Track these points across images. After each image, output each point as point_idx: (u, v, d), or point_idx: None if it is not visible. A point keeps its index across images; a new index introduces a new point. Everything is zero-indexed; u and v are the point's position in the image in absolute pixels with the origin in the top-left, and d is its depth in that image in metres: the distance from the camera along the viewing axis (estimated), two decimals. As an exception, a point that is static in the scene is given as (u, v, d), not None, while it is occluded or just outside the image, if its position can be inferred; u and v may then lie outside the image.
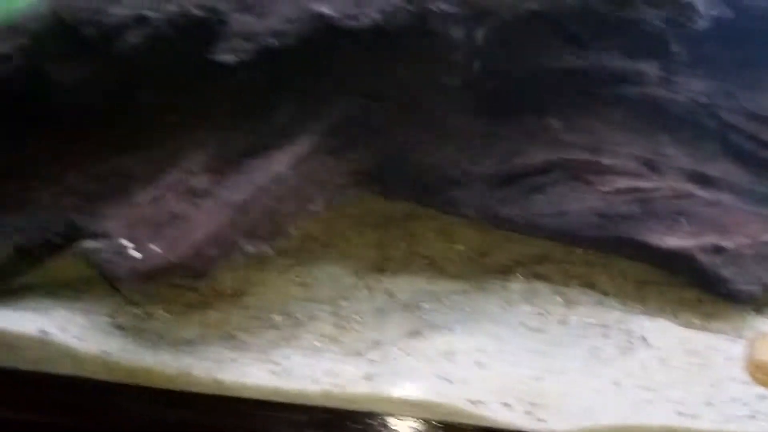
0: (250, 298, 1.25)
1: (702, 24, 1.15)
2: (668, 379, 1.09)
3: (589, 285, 1.30)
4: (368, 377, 1.06)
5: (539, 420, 1.02)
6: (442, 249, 1.45)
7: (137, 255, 0.99)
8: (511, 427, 1.01)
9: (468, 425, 1.01)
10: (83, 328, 1.10)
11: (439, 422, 1.02)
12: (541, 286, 1.29)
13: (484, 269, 1.39)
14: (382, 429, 1.00)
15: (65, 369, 1.08)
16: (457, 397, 1.03)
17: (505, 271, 1.36)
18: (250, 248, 1.06)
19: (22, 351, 1.08)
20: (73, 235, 1.11)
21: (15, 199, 1.13)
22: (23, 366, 1.09)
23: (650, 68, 1.24)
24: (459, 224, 1.47)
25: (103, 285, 1.24)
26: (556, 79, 1.25)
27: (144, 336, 1.12)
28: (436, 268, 1.40)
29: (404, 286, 1.34)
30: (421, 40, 1.08)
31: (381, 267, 1.40)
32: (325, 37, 1.05)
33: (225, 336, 1.16)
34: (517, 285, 1.31)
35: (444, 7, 1.02)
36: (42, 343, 1.07)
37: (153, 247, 0.99)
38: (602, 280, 1.31)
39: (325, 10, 1.02)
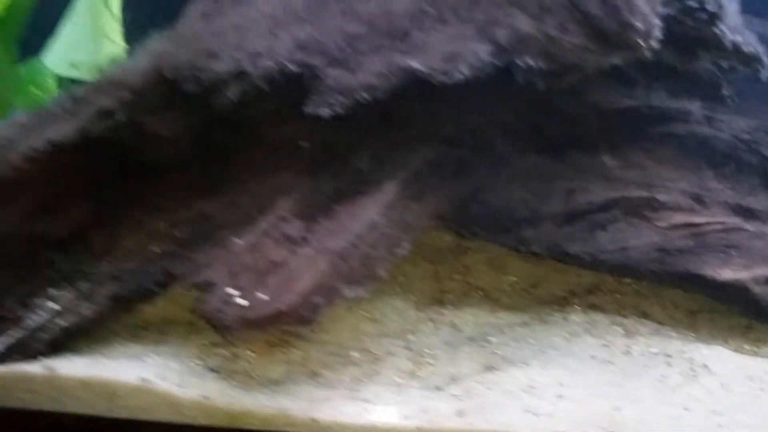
0: (325, 335, 1.30)
1: (765, 74, 1.25)
2: (733, 403, 1.17)
3: (644, 314, 1.38)
4: (459, 413, 1.12)
5: (620, 448, 1.09)
6: (495, 281, 1.52)
7: (244, 303, 1.03)
8: (596, 456, 1.08)
9: (557, 456, 1.07)
10: (179, 374, 1.13)
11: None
12: (599, 317, 1.37)
13: (539, 300, 1.46)
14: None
15: (163, 416, 1.10)
16: (545, 429, 1.10)
17: (560, 303, 1.44)
18: (349, 293, 1.11)
19: (122, 399, 1.10)
20: (167, 281, 1.15)
21: (106, 246, 1.16)
22: (121, 414, 1.11)
23: (695, 107, 1.34)
24: (508, 255, 1.54)
25: (184, 327, 1.29)
26: (608, 119, 1.34)
27: (237, 378, 1.15)
28: (491, 299, 1.47)
29: (466, 318, 1.40)
30: (500, 91, 1.14)
31: (440, 299, 1.46)
32: (412, 90, 1.11)
33: (310, 374, 1.20)
34: (575, 317, 1.38)
35: (531, 62, 1.08)
36: (142, 391, 1.10)
37: (260, 295, 1.03)
38: (655, 310, 1.39)
39: (416, 65, 1.07)
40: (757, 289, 1.26)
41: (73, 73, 1.67)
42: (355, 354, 1.26)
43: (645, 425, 1.11)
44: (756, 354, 1.30)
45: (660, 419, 1.12)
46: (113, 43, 1.64)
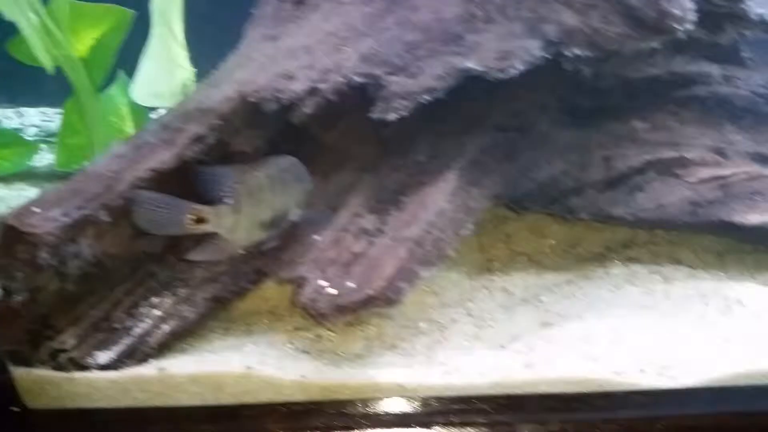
0: (394, 311, 1.43)
1: None
2: (766, 330, 1.31)
3: (677, 261, 1.52)
4: (527, 366, 1.26)
5: (671, 378, 1.23)
6: (536, 245, 1.65)
7: (335, 292, 1.16)
8: (651, 387, 1.22)
9: (619, 392, 1.21)
10: (276, 358, 1.27)
11: (595, 393, 1.22)
12: (637, 268, 1.51)
13: (580, 259, 1.59)
14: (556, 403, 1.19)
15: (266, 397, 1.23)
16: (605, 372, 1.24)
17: (600, 259, 1.58)
18: (425, 273, 1.24)
19: (230, 387, 1.23)
20: (258, 279, 1.28)
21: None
22: (228, 401, 1.23)
23: (714, 69, 1.46)
24: (545, 220, 1.68)
25: (267, 316, 1.43)
26: (634, 88, 1.46)
27: (326, 356, 1.29)
28: (535, 262, 1.60)
29: (515, 282, 1.54)
30: (541, 75, 1.26)
31: (489, 267, 1.59)
32: (468, 88, 1.23)
33: (388, 346, 1.34)
34: (616, 270, 1.52)
35: (578, 52, 1.20)
36: (247, 378, 1.23)
37: (348, 283, 1.17)
38: (687, 256, 1.53)
39: (472, 65, 1.19)
40: (782, 229, 1.39)
41: (156, 103, 1.82)
42: (423, 325, 1.40)
43: (691, 357, 1.25)
44: (783, 286, 1.44)
45: (701, 351, 1.27)
46: (184, 69, 1.77)
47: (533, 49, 1.18)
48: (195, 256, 1.25)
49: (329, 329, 1.36)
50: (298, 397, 1.24)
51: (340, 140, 1.40)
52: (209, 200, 1.24)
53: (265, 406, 1.21)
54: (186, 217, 1.20)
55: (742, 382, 1.20)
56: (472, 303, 1.47)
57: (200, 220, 1.21)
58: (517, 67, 1.19)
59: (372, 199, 1.28)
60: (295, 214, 1.32)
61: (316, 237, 1.26)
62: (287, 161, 1.30)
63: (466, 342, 1.36)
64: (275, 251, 1.29)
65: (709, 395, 1.18)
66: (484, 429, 1.14)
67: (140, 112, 1.93)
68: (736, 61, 1.43)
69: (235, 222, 1.23)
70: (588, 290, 1.47)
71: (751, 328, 1.32)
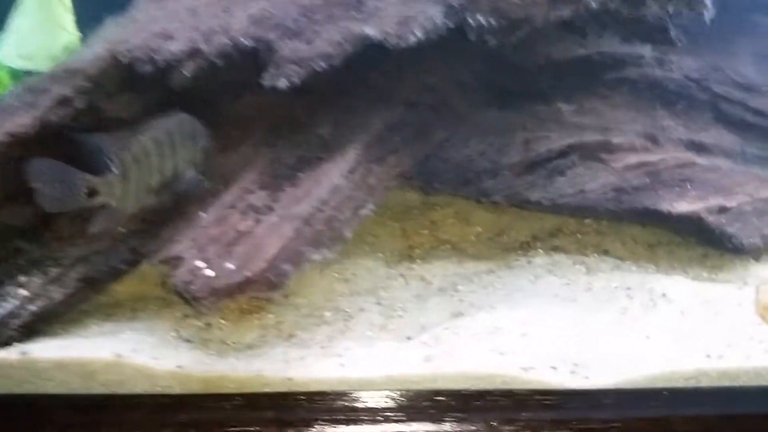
0: (299, 299, 1.33)
1: (708, 15, 1.27)
2: (691, 328, 1.22)
3: (605, 252, 1.43)
4: (427, 359, 1.16)
5: (584, 378, 1.14)
6: (462, 232, 1.56)
7: (212, 274, 1.05)
8: (561, 387, 1.12)
9: (523, 390, 1.11)
10: (153, 347, 1.16)
11: (497, 391, 1.12)
12: (561, 258, 1.42)
13: (504, 247, 1.50)
14: (448, 403, 1.10)
15: (140, 388, 1.13)
16: (511, 366, 1.14)
17: (524, 248, 1.48)
18: (315, 256, 1.14)
19: (99, 375, 1.12)
20: (136, 260, 1.17)
21: (73, 231, 1.17)
22: (98, 390, 1.13)
23: (646, 51, 1.36)
24: (473, 207, 1.58)
25: (157, 302, 1.32)
26: (562, 69, 1.37)
27: (211, 346, 1.18)
28: (459, 250, 1.51)
29: (435, 271, 1.44)
30: (454, 50, 1.16)
31: (409, 255, 1.49)
32: (368, 56, 1.12)
33: (285, 336, 1.23)
34: (539, 259, 1.42)
35: (482, 20, 1.10)
36: (117, 366, 1.12)
37: (227, 265, 1.06)
38: (616, 247, 1.44)
39: (370, 31, 1.09)
40: (710, 219, 1.31)
41: (27, 65, 1.67)
42: (327, 314, 1.30)
43: (604, 355, 1.15)
44: (715, 280, 1.35)
45: (619, 349, 1.17)
46: (67, 32, 1.64)
47: (434, 16, 1.09)
48: (89, 228, 1.14)
49: (223, 318, 1.26)
50: (177, 389, 1.13)
51: (246, 112, 1.29)
52: (90, 170, 1.13)
53: (132, 396, 1.10)
54: (82, 190, 1.09)
55: (659, 384, 1.10)
56: (385, 291, 1.37)
57: (93, 192, 1.11)
58: (417, 33, 1.09)
59: (266, 175, 1.17)
60: (191, 174, 1.22)
61: (201, 214, 1.15)
62: (175, 120, 1.18)
63: (371, 333, 1.26)
64: (155, 229, 1.17)
65: (621, 398, 1.08)
66: (368, 427, 1.04)
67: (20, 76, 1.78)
68: (665, 41, 1.33)
69: (124, 191, 1.13)
70: (508, 280, 1.37)
71: (674, 325, 1.23)
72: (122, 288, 1.30)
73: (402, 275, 1.43)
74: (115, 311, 1.27)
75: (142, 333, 1.20)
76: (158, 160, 1.16)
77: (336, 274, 1.40)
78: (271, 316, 1.28)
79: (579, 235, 1.48)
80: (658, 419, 1.03)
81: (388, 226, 1.56)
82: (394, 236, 1.53)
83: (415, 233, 1.55)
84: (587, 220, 1.49)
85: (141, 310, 1.27)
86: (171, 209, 1.17)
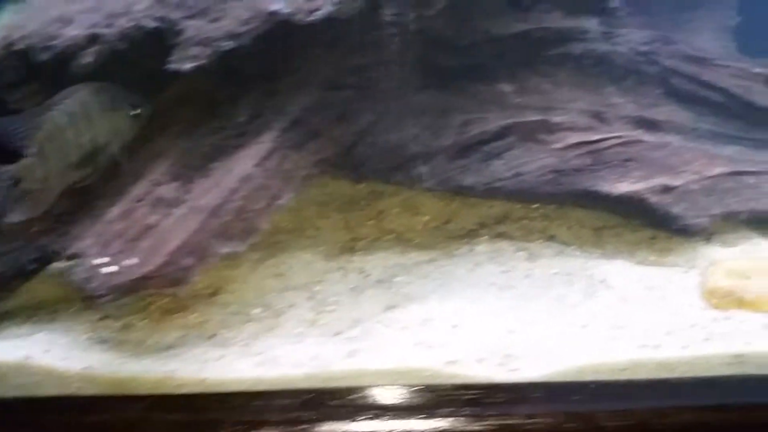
0: (228, 296, 1.28)
1: None
2: (631, 315, 1.15)
3: (550, 237, 1.36)
4: (351, 354, 1.11)
5: (512, 370, 1.08)
6: (408, 222, 1.49)
7: (112, 270, 1.01)
8: (487, 381, 1.06)
9: (447, 385, 1.06)
10: (65, 348, 1.12)
11: (420, 386, 1.06)
12: (504, 245, 1.35)
13: (449, 236, 1.43)
14: (365, 401, 1.05)
15: (53, 390, 1.09)
16: (435, 360, 1.09)
17: (469, 236, 1.42)
18: (223, 249, 1.09)
19: (10, 378, 1.09)
20: (46, 258, 1.13)
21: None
22: (10, 393, 1.10)
23: (591, 24, 1.29)
24: (422, 196, 1.52)
25: (78, 303, 1.28)
26: (502, 45, 1.29)
27: (125, 347, 1.14)
28: (403, 240, 1.44)
29: (376, 262, 1.38)
30: (373, 27, 1.10)
31: (351, 247, 1.44)
32: (279, 34, 1.08)
33: (207, 336, 1.19)
34: (482, 247, 1.36)
35: None
36: (26, 368, 1.09)
37: (128, 260, 1.02)
38: (562, 232, 1.37)
39: (278, 7, 1.04)
40: (654, 199, 1.23)
41: None
42: (256, 311, 1.25)
43: (536, 346, 1.09)
44: (662, 264, 1.28)
45: (553, 339, 1.11)
46: None
47: None
48: (14, 217, 1.11)
49: (143, 318, 1.21)
50: (89, 390, 1.09)
51: (166, 102, 1.24)
52: (7, 158, 1.09)
53: (43, 399, 1.07)
54: (8, 183, 1.06)
55: (588, 377, 1.04)
56: (319, 286, 1.32)
57: (17, 182, 1.07)
58: (327, 9, 1.03)
59: (179, 166, 1.12)
60: (117, 144, 1.18)
61: (109, 208, 1.11)
62: (90, 90, 1.13)
63: (299, 329, 1.21)
64: (64, 227, 1.13)
65: (548, 392, 1.02)
66: (281, 428, 0.99)
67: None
68: (605, 10, 1.26)
69: (44, 172, 1.09)
70: (446, 270, 1.31)
71: (613, 312, 1.16)
72: (45, 288, 1.27)
73: (341, 268, 1.38)
74: (36, 312, 1.23)
75: (58, 334, 1.16)
76: (74, 133, 1.11)
77: (269, 270, 1.35)
78: (195, 315, 1.24)
79: (526, 221, 1.41)
80: (582, 414, 0.96)
81: (332, 218, 1.50)
82: (337, 228, 1.47)
83: (359, 225, 1.49)
84: (534, 206, 1.42)
85: (62, 311, 1.23)
86: (79, 204, 1.13)
